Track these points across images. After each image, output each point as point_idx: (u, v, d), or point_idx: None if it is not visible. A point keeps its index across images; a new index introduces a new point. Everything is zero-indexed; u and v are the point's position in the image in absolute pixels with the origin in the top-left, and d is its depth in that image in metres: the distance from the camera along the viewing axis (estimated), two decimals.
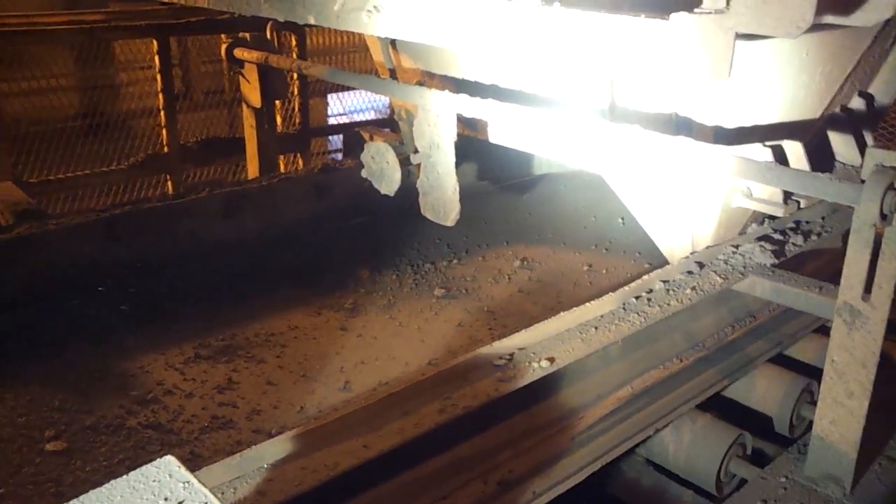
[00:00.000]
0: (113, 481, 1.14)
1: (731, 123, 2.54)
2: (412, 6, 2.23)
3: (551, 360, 2.10)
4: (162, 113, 4.76)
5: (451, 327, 3.44)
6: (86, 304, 3.34)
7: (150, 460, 1.15)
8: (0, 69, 6.08)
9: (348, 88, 9.32)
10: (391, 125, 5.76)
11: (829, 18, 1.54)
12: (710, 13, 1.54)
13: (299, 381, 3.02)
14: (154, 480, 1.15)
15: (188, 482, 1.15)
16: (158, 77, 4.69)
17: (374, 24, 2.32)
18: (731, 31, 1.50)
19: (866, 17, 1.56)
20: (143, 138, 6.36)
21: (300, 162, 5.54)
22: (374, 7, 2.27)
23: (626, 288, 2.47)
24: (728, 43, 1.50)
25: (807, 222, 2.92)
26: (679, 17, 1.59)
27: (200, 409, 2.83)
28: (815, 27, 1.53)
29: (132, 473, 1.16)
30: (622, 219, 4.51)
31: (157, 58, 4.65)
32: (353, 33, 8.83)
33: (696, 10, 1.57)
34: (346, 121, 9.52)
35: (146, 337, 3.26)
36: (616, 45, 1.77)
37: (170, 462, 1.18)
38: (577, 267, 4.10)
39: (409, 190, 3.24)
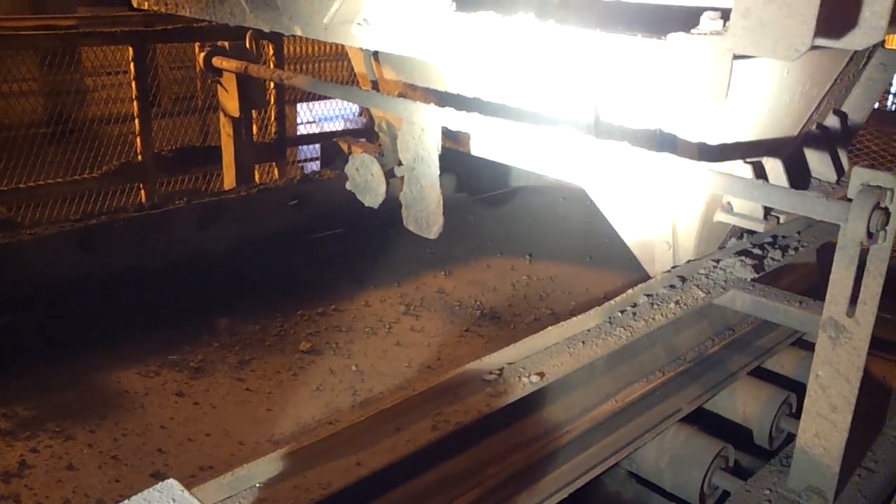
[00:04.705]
0: None
1: (714, 140, 2.57)
2: (402, 20, 2.23)
3: (541, 374, 2.10)
4: (136, 120, 4.69)
5: (308, 392, 2.93)
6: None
7: None
8: None
9: (320, 97, 9.27)
10: (367, 135, 5.75)
11: (821, 41, 1.56)
12: (707, 35, 1.56)
13: (106, 464, 2.54)
14: None
15: None
16: (134, 84, 4.62)
17: (363, 37, 2.31)
18: (728, 53, 1.52)
19: (857, 41, 1.59)
20: (111, 146, 6.25)
21: (276, 172, 5.49)
22: (364, 20, 2.27)
23: (612, 302, 2.49)
24: (725, 65, 1.52)
25: (784, 237, 2.97)
26: (676, 38, 1.61)
27: None
28: None
29: (133, 498, 1.13)
30: (529, 255, 4.14)
31: (132, 65, 4.58)
32: (325, 43, 8.79)
33: (693, 31, 1.59)
34: (316, 129, 9.47)
35: None
36: (610, 63, 1.78)
37: (173, 486, 1.16)
38: (469, 313, 3.54)
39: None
